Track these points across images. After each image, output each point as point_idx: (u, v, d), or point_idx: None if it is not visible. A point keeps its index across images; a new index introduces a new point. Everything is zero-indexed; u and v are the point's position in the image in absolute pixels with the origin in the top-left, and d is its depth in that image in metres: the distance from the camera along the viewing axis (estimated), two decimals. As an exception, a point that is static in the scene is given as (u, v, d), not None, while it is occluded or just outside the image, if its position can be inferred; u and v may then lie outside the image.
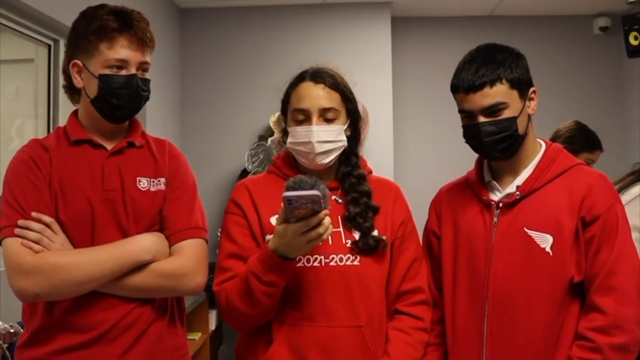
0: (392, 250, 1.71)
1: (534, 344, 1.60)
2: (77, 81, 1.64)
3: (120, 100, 1.61)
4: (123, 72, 1.60)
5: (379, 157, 4.44)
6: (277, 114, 4.46)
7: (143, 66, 1.64)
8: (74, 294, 1.54)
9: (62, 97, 3.14)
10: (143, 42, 1.62)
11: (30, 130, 3.19)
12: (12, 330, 2.13)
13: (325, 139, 1.65)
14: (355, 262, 1.63)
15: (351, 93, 1.73)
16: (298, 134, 1.66)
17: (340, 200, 1.69)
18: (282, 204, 1.45)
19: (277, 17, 4.70)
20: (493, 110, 1.63)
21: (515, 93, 1.64)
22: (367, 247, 1.64)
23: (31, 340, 1.60)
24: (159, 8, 4.28)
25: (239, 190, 1.72)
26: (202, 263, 1.64)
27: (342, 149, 1.69)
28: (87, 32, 1.61)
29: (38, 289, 1.51)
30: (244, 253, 1.63)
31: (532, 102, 1.69)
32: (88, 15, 1.64)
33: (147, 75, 1.67)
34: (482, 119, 1.64)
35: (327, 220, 1.47)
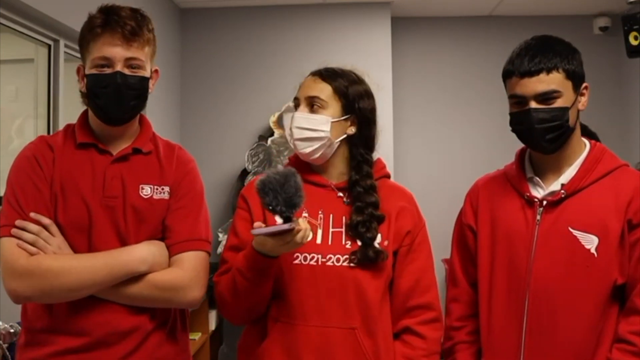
0: (395, 258, 1.68)
1: (574, 345, 1.58)
2: (81, 85, 1.62)
3: (103, 100, 1.55)
4: (108, 71, 1.54)
5: (378, 157, 4.42)
6: (277, 114, 4.46)
7: (131, 62, 1.55)
8: (65, 299, 1.52)
9: (62, 97, 3.14)
10: (127, 37, 1.53)
11: (30, 130, 3.18)
12: (12, 330, 2.13)
13: (303, 125, 1.65)
14: (352, 264, 1.62)
15: (357, 92, 1.70)
16: (288, 121, 1.72)
17: (347, 201, 1.68)
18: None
19: (277, 17, 4.70)
20: (547, 97, 1.60)
21: (569, 84, 1.62)
22: (366, 259, 1.61)
23: (31, 340, 1.59)
24: (159, 8, 4.28)
25: (249, 186, 1.74)
26: (201, 276, 1.61)
27: (325, 141, 1.66)
28: (82, 34, 1.59)
29: (29, 292, 1.50)
30: (243, 246, 1.62)
31: (583, 97, 1.67)
32: (88, 18, 1.61)
33: (143, 72, 1.58)
34: (534, 105, 1.60)
35: (300, 234, 1.44)
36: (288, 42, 4.67)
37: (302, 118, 1.66)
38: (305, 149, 1.66)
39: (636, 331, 1.54)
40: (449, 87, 5.05)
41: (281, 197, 1.40)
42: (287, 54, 4.60)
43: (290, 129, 1.67)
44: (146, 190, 1.61)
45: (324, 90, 1.68)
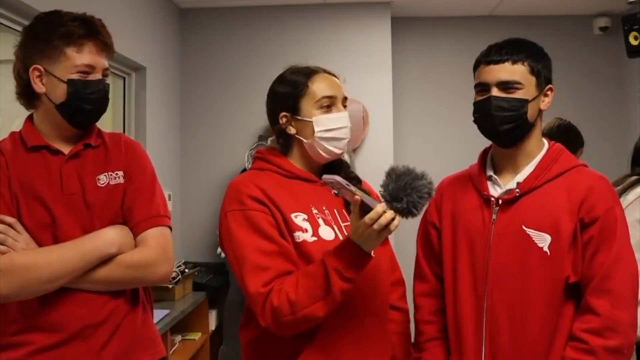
0: None
1: (530, 343, 1.60)
2: (38, 86, 1.64)
3: (90, 104, 1.63)
4: (91, 77, 1.63)
5: (379, 157, 4.44)
6: (277, 114, 4.45)
7: (105, 72, 1.67)
8: (42, 292, 1.55)
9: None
10: (107, 48, 1.67)
11: (30, 130, 3.18)
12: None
13: (350, 125, 1.70)
14: (372, 253, 1.63)
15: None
16: (332, 120, 1.65)
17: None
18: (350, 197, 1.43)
19: (277, 17, 4.70)
20: (508, 86, 1.63)
21: (533, 80, 1.65)
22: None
23: (7, 344, 1.60)
24: (159, 8, 4.28)
25: (249, 187, 1.61)
26: (167, 251, 1.66)
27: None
28: (52, 37, 1.61)
29: (6, 290, 1.51)
30: (284, 251, 1.55)
31: (547, 98, 1.70)
32: (49, 21, 1.64)
33: (108, 81, 1.71)
34: (495, 92, 1.64)
35: (380, 218, 1.40)
36: (288, 42, 4.67)
37: (348, 118, 1.69)
38: (346, 145, 1.70)
39: (589, 329, 1.55)
40: (449, 87, 5.05)
41: (394, 186, 1.40)
42: (287, 54, 4.60)
43: (341, 128, 1.66)
44: (102, 180, 1.66)
45: (343, 90, 1.72)
